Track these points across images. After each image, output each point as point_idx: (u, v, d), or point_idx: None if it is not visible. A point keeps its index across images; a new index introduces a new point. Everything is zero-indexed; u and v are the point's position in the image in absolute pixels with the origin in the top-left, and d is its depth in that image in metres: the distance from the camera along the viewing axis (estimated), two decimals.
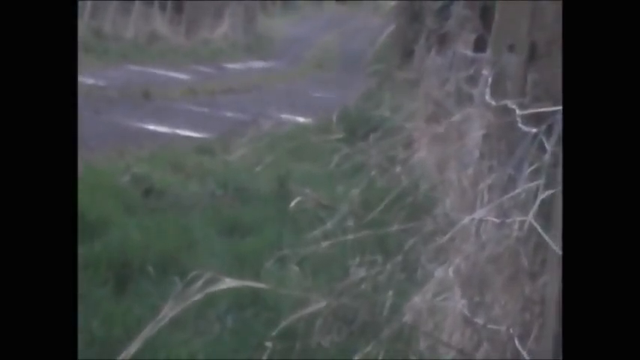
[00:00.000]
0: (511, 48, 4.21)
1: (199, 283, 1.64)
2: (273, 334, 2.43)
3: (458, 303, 3.39)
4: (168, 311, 1.64)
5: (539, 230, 2.69)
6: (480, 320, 3.22)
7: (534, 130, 3.15)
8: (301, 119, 13.92)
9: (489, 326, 3.14)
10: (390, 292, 4.03)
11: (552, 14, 4.02)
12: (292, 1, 42.94)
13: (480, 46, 7.38)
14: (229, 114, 13.30)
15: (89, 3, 22.23)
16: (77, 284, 2.07)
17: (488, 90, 4.26)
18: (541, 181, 2.95)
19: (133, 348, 1.68)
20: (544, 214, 2.74)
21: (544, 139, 3.05)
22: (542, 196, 2.78)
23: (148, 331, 1.63)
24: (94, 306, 4.19)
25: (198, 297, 1.65)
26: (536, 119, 3.24)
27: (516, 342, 2.91)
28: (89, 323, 3.97)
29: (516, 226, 3.11)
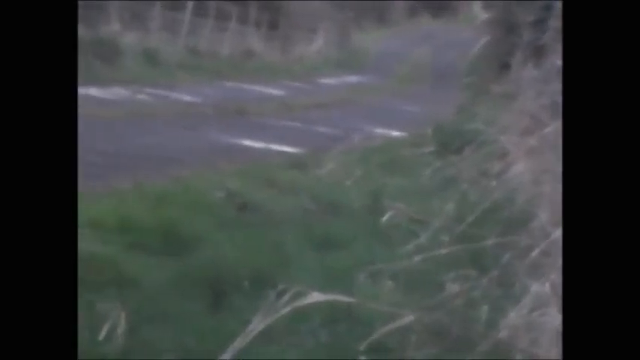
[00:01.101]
0: None
1: (287, 297, 1.64)
2: (362, 348, 2.41)
3: (555, 318, 3.32)
4: (257, 324, 1.64)
5: None
6: None
7: None
8: (393, 133, 13.89)
9: None
10: (485, 307, 3.97)
11: None
12: (386, 16, 42.96)
13: None
14: (322, 129, 13.36)
15: (186, 22, 22.62)
16: (77, 290, 2.08)
17: None
18: None
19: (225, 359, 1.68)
20: None
21: None
22: None
23: (237, 344, 1.64)
24: (189, 321, 4.23)
25: (286, 310, 1.65)
26: None
27: None
28: (183, 338, 4.00)
29: None
